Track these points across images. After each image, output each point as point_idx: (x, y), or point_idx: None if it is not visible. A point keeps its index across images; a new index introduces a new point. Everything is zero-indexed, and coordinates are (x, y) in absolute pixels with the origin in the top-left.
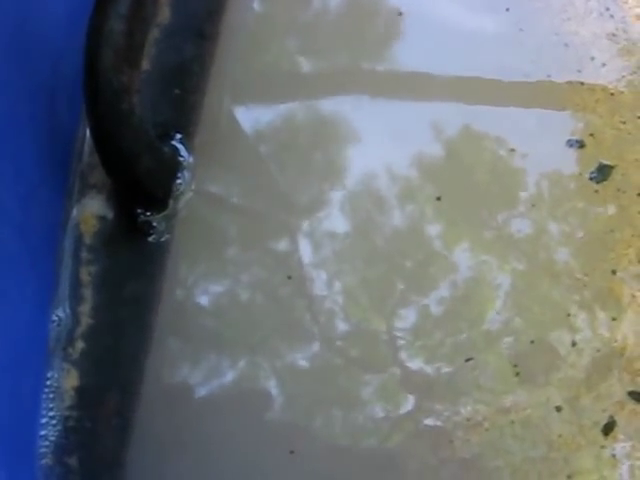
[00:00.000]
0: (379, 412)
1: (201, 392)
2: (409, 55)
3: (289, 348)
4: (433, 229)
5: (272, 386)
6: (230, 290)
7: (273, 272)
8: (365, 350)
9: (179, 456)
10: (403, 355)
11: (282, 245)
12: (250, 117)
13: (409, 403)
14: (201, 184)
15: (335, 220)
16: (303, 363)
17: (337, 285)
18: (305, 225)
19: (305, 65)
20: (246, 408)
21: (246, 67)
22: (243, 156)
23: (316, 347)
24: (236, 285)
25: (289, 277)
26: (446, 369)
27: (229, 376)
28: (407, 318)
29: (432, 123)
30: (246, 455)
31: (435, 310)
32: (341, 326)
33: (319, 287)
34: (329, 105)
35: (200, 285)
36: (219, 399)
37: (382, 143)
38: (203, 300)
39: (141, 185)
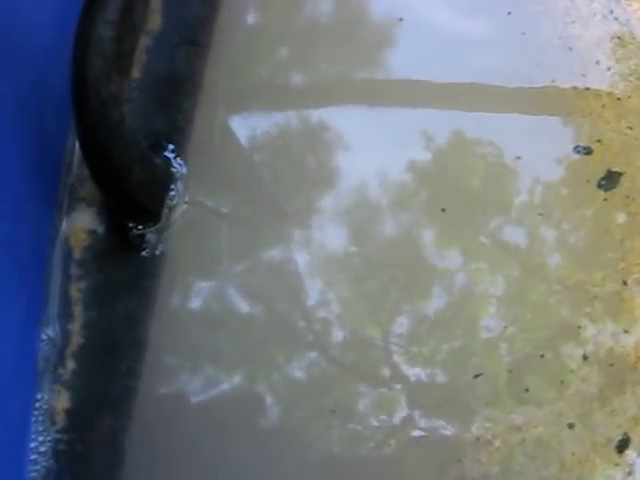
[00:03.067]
0: (377, 423)
1: (196, 410)
2: (408, 62)
3: (285, 358)
4: (428, 236)
5: (268, 397)
6: (225, 302)
7: (268, 283)
8: (361, 358)
9: (174, 478)
10: (399, 362)
11: (277, 255)
12: (243, 126)
13: (409, 415)
14: (194, 195)
15: (329, 228)
16: (299, 373)
17: (332, 293)
18: (299, 234)
19: (298, 74)
20: (242, 421)
21: (239, 76)
22: (237, 166)
23: (312, 356)
24: (231, 297)
25: (284, 288)
26: (449, 381)
27: (224, 392)
28: (402, 326)
29: (431, 130)
30: (244, 470)
31: (430, 317)
32: (336, 335)
33: (314, 296)
34: (323, 114)
35: (194, 299)
36: (214, 417)
37: (377, 151)
38: (198, 314)
39: (132, 198)
